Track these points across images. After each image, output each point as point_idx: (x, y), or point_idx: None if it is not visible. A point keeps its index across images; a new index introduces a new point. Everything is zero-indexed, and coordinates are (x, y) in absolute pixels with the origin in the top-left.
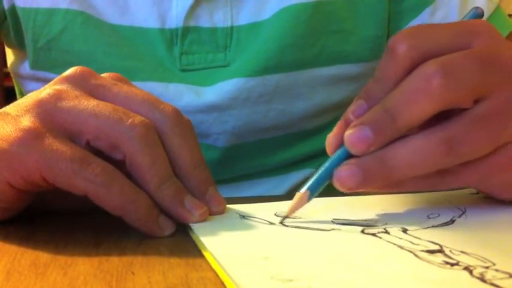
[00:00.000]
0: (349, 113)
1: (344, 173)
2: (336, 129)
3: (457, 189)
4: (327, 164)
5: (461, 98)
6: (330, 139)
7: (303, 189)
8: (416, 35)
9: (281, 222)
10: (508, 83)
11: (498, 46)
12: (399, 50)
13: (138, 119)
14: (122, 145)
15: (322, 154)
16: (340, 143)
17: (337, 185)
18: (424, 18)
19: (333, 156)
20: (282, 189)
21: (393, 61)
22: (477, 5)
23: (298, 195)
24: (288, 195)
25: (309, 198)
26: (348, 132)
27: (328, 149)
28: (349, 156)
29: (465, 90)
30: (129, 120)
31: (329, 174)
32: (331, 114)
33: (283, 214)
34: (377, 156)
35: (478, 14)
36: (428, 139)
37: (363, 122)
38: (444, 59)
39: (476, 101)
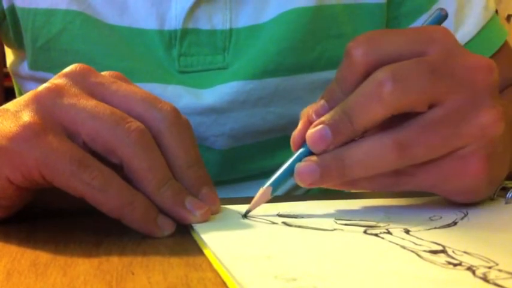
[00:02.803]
0: (312, 112)
1: (303, 169)
2: (299, 127)
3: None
4: (289, 161)
5: (412, 103)
6: (294, 136)
7: (266, 185)
8: (373, 40)
9: (245, 215)
10: (459, 90)
11: (452, 54)
12: (355, 54)
13: (134, 124)
14: (118, 150)
15: None
16: (304, 141)
17: (297, 180)
18: (421, 24)
19: (295, 154)
20: (279, 190)
21: (350, 65)
22: (472, 14)
23: (261, 190)
24: (288, 196)
25: (272, 193)
26: (309, 131)
27: (293, 146)
28: (310, 154)
29: (415, 96)
30: (126, 126)
31: (291, 170)
32: None
33: (247, 209)
34: (334, 155)
35: (442, 16)
36: (381, 141)
37: (323, 121)
38: (396, 66)
39: (430, 106)
